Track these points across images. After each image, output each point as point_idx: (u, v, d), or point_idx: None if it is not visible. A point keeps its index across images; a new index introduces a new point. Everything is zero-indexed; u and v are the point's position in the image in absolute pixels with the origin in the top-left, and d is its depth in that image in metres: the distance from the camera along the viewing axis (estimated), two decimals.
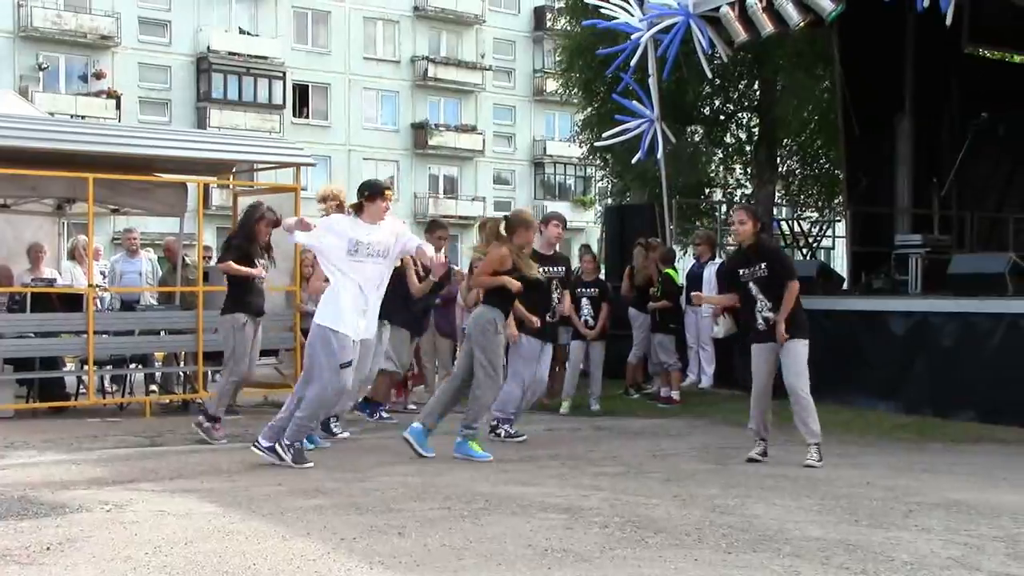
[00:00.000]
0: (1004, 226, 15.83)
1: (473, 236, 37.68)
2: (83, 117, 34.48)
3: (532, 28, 49.88)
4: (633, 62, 13.05)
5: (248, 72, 42.13)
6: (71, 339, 10.64)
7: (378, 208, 7.62)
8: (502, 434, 8.96)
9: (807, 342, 7.89)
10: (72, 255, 13.60)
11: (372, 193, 7.64)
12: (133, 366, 11.59)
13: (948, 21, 10.40)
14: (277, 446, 7.46)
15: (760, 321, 7.90)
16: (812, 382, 7.90)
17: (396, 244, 7.66)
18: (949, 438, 9.35)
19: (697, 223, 18.88)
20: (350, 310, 7.41)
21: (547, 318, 9.06)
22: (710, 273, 12.74)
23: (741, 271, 8.03)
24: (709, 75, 14.36)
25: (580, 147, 23.23)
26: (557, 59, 22.78)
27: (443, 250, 10.33)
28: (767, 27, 11.67)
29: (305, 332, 11.55)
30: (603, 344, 11.44)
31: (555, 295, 9.47)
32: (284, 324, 11.59)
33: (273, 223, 9.11)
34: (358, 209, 7.68)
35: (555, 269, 9.49)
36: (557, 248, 9.79)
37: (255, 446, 7.57)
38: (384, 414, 10.47)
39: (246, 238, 9.07)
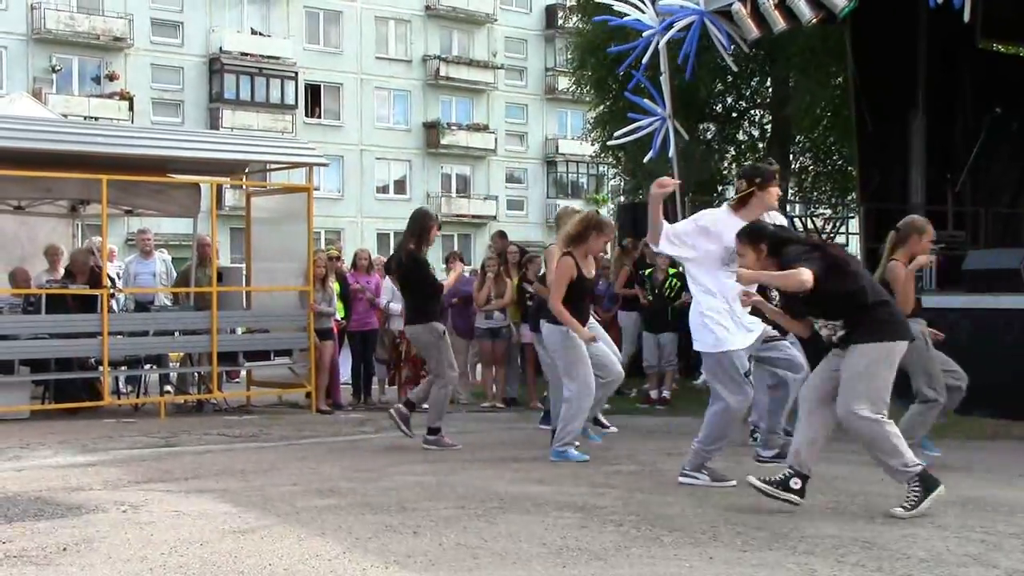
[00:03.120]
0: (1018, 222, 15.74)
1: (486, 235, 37.66)
2: (96, 119, 34.66)
3: (544, 26, 49.90)
4: (645, 60, 13.02)
5: (260, 72, 42.22)
6: (86, 340, 10.68)
7: (771, 197, 6.34)
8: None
9: None
10: None
11: (764, 180, 6.35)
12: (148, 367, 11.63)
13: (966, 17, 10.32)
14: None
15: None
16: None
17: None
18: (964, 435, 9.29)
19: None
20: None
21: None
22: None
23: None
24: (734, 68, 14.33)
25: (592, 145, 23.22)
26: (569, 57, 22.76)
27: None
28: (779, 23, 11.62)
29: (319, 332, 11.60)
30: None
31: None
32: (298, 324, 11.63)
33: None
34: (741, 202, 6.35)
35: None
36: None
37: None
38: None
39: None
